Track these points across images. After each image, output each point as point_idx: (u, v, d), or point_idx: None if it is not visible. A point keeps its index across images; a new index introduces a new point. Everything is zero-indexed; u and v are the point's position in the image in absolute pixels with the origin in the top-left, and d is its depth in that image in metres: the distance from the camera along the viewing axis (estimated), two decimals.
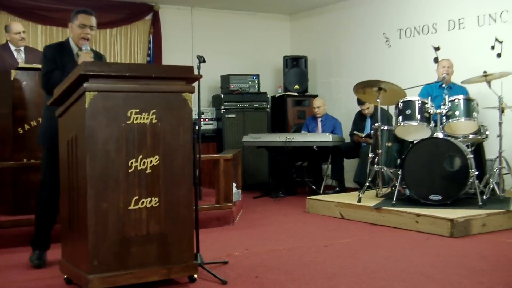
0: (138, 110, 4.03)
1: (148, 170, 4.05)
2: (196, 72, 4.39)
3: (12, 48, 7.11)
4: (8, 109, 6.29)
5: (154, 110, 4.07)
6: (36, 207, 4.99)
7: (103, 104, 3.94)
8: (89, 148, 3.89)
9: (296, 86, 10.42)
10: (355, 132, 8.92)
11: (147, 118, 4.06)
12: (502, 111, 6.92)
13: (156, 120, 4.08)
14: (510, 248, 5.48)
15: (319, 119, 9.38)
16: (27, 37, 8.63)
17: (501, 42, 7.26)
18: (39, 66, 6.35)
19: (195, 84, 4.43)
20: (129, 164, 4.00)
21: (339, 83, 10.28)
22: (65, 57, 4.92)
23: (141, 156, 4.03)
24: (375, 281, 4.34)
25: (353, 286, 4.22)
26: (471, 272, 4.59)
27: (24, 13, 9.10)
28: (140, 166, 4.02)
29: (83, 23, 4.93)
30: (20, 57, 7.09)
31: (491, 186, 6.89)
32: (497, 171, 6.99)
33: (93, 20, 5.00)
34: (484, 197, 6.63)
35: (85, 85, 3.91)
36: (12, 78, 6.23)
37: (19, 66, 6.49)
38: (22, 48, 7.15)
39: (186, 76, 4.29)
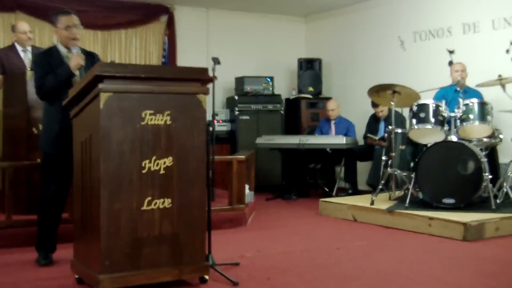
0: (152, 111, 4.03)
1: (162, 171, 4.06)
2: (211, 74, 4.40)
3: (19, 48, 7.08)
4: (23, 109, 6.30)
5: (168, 112, 4.08)
6: (38, 211, 5.04)
7: (118, 105, 3.94)
8: (103, 149, 3.90)
9: (310, 89, 10.40)
10: (369, 134, 8.90)
11: (162, 119, 4.06)
12: None
13: (170, 121, 4.09)
14: None
15: (333, 122, 9.35)
16: (41, 36, 8.70)
17: None
18: None
19: (210, 86, 4.42)
20: (143, 165, 4.00)
21: (354, 86, 10.24)
22: (55, 62, 4.91)
23: (154, 157, 4.03)
24: (388, 284, 4.32)
25: None
26: (484, 276, 4.57)
27: (39, 12, 9.12)
28: (153, 167, 4.03)
29: (67, 24, 4.94)
30: (27, 57, 7.06)
31: (505, 190, 6.83)
32: (511, 175, 6.96)
33: (75, 19, 5.00)
34: (498, 201, 6.60)
35: (100, 85, 3.91)
36: (27, 79, 6.24)
37: (30, 67, 6.49)
38: (29, 48, 7.14)
39: (201, 78, 4.29)
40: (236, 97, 10.03)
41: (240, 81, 10.19)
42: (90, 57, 5.10)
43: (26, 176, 6.21)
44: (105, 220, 3.90)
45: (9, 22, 8.92)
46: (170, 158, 4.08)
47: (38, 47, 7.56)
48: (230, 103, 10.25)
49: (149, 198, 4.02)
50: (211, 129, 4.53)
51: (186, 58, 10.02)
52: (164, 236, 4.07)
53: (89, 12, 4.86)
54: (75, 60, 4.79)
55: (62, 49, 5.01)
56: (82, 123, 4.31)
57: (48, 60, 4.95)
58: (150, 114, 4.02)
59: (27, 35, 7.10)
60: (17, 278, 4.55)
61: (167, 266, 4.08)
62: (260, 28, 10.95)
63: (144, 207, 4.00)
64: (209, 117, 4.74)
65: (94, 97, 3.99)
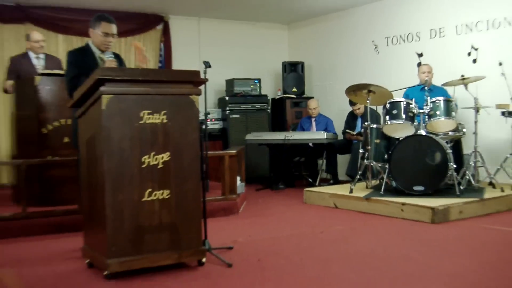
0: (150, 111, 4.04)
1: (160, 166, 4.07)
2: (202, 76, 4.39)
3: (32, 55, 7.08)
4: (33, 111, 6.32)
5: (164, 111, 4.08)
6: None
7: (118, 106, 3.95)
8: (106, 146, 3.91)
9: (294, 89, 10.41)
10: (347, 130, 8.94)
11: (158, 118, 4.07)
12: (477, 110, 7.02)
13: (166, 120, 4.09)
14: (483, 232, 5.49)
15: (313, 119, 9.37)
16: (49, 46, 8.65)
17: (476, 49, 7.28)
18: (59, 71, 6.40)
19: (202, 87, 4.43)
20: (143, 160, 4.01)
21: (333, 86, 10.28)
22: (88, 61, 4.77)
23: (153, 153, 4.04)
24: (365, 264, 4.35)
25: (346, 269, 4.24)
26: (450, 254, 4.61)
27: (47, 23, 9.09)
28: (152, 162, 4.04)
29: (105, 31, 4.80)
30: (40, 63, 7.05)
31: (468, 177, 6.94)
32: (473, 164, 7.07)
33: (114, 28, 4.85)
34: (461, 187, 6.66)
35: (101, 88, 3.92)
36: (36, 83, 6.25)
37: (41, 72, 6.49)
38: (42, 56, 7.11)
39: (194, 80, 4.29)
40: (227, 98, 10.04)
41: (230, 83, 10.19)
42: (118, 59, 4.99)
43: (38, 172, 6.20)
44: (110, 211, 3.91)
45: (18, 33, 8.92)
46: (168, 154, 4.09)
47: (52, 55, 7.56)
48: (221, 103, 10.24)
49: (149, 190, 4.03)
50: (204, 127, 4.53)
51: (180, 62, 10.03)
52: (164, 224, 4.08)
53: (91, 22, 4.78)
54: (109, 65, 4.66)
55: (95, 49, 4.87)
56: (87, 122, 4.31)
57: (82, 57, 4.81)
58: (148, 114, 4.03)
59: (39, 44, 7.10)
60: (33, 263, 4.56)
61: (167, 251, 4.10)
62: (247, 35, 10.95)
63: (145, 198, 4.02)
64: (202, 116, 4.73)
65: (96, 99, 3.99)
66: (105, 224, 3.92)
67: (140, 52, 5.20)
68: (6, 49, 8.89)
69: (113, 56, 4.83)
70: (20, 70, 6.88)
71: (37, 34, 7.21)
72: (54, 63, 7.03)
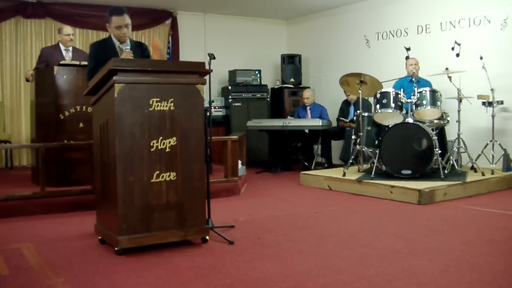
0: (158, 99, 3.99)
1: (167, 149, 4.03)
2: (207, 67, 4.34)
3: (62, 47, 7.04)
4: (52, 98, 6.31)
5: (172, 99, 4.04)
6: None
7: (129, 94, 3.91)
8: (117, 131, 3.87)
9: (292, 80, 10.38)
10: (340, 118, 8.92)
11: (166, 106, 4.02)
12: (460, 100, 7.03)
13: (174, 108, 4.05)
14: (465, 212, 5.47)
15: (308, 107, 9.34)
16: None
17: (459, 44, 7.24)
18: (77, 62, 6.39)
19: (207, 77, 4.38)
20: (151, 144, 3.97)
21: (328, 77, 10.23)
22: (109, 52, 4.64)
23: (161, 138, 4.00)
24: (356, 241, 4.33)
25: (338, 245, 4.21)
26: (434, 232, 4.59)
27: (65, 18, 9.07)
28: (160, 146, 4.00)
29: (117, 24, 4.67)
30: (68, 55, 7.02)
31: (451, 162, 6.95)
32: (456, 150, 7.07)
33: (126, 19, 4.69)
34: (446, 171, 6.65)
35: (114, 78, 3.88)
36: (55, 73, 6.25)
37: (62, 62, 6.47)
38: (71, 48, 7.08)
39: (199, 71, 4.24)
40: (230, 87, 10.00)
41: (232, 73, 10.14)
42: (140, 48, 4.90)
43: (55, 155, 6.20)
44: (121, 191, 3.88)
45: (40, 27, 8.90)
46: (174, 138, 4.05)
47: (78, 48, 7.54)
48: (224, 92, 10.20)
49: (157, 172, 3.99)
50: (208, 114, 4.48)
51: (187, 54, 10.00)
52: (171, 204, 4.05)
53: (105, 17, 4.69)
54: (125, 56, 4.58)
55: (115, 41, 4.76)
56: (100, 109, 4.27)
57: (102, 48, 4.69)
58: (157, 101, 3.99)
59: (70, 37, 7.06)
60: (50, 239, 4.53)
61: (174, 229, 4.07)
62: (249, 30, 10.89)
63: (153, 180, 3.98)
64: (206, 104, 4.69)
65: (109, 87, 3.96)
66: (116, 203, 3.89)
67: (159, 53, 5.11)
68: (28, 42, 8.96)
69: (128, 48, 4.70)
70: (51, 60, 6.85)
71: (68, 28, 7.21)
72: (81, 56, 6.98)
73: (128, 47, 4.72)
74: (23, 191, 5.79)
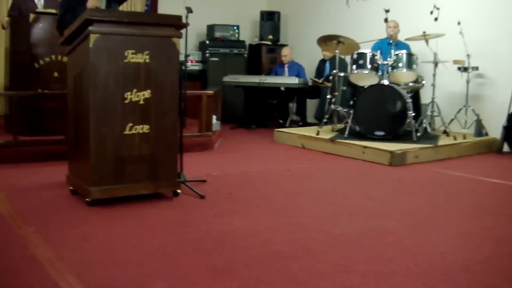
0: (134, 51, 3.94)
1: (141, 102, 3.99)
2: (184, 21, 4.28)
3: None
4: (26, 47, 6.21)
5: (147, 51, 3.99)
6: None
7: (104, 45, 3.85)
8: (92, 82, 3.82)
9: (270, 37, 10.30)
10: (313, 78, 8.94)
11: (141, 58, 3.97)
12: (436, 65, 7.04)
13: (149, 60, 4.00)
14: (435, 175, 5.54)
15: (286, 65, 9.31)
16: None
17: (438, 9, 7.25)
18: (53, 11, 6.25)
19: (183, 31, 4.33)
20: (125, 96, 3.93)
21: (306, 35, 10.15)
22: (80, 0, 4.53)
23: (135, 90, 3.96)
24: (327, 198, 4.38)
25: (308, 201, 4.26)
26: (404, 193, 4.66)
27: None
28: (134, 98, 3.96)
29: None
30: (40, 3, 6.86)
31: (424, 125, 7.00)
32: (430, 113, 7.11)
33: None
34: (418, 134, 6.70)
35: (90, 28, 3.81)
36: (30, 21, 6.12)
37: (37, 11, 6.33)
38: None
39: (175, 24, 4.18)
40: (207, 42, 9.89)
41: (211, 28, 10.02)
42: None
43: (29, 104, 6.14)
44: (94, 142, 3.85)
45: None
46: (149, 91, 4.01)
47: None
48: (202, 46, 10.09)
49: (131, 124, 3.96)
50: (183, 67, 4.44)
51: (165, 7, 9.80)
52: (143, 156, 4.04)
53: None
54: (91, 2, 4.46)
55: None
56: (75, 59, 4.20)
57: None
58: (132, 53, 3.93)
59: None
60: (22, 188, 4.50)
61: (145, 182, 4.07)
62: None
63: (127, 132, 3.95)
64: (182, 58, 4.64)
65: (84, 37, 3.89)
66: (88, 154, 3.87)
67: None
68: None
69: None
70: (22, 7, 6.68)
71: None
72: (53, 2, 6.81)
73: None
74: None
